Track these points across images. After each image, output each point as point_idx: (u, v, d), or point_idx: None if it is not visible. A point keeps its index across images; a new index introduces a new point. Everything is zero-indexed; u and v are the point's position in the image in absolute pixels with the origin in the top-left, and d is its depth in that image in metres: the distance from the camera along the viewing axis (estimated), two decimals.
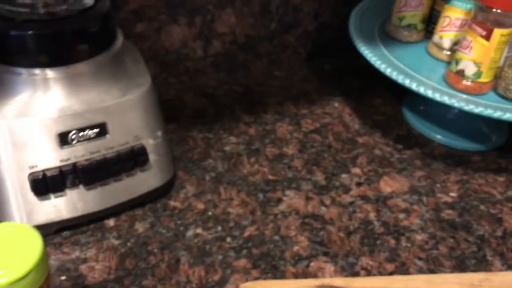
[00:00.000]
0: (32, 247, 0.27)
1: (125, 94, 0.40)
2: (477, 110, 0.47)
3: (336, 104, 0.61)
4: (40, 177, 0.37)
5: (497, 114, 0.46)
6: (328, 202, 0.47)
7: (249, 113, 0.58)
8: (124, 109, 0.40)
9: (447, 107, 0.50)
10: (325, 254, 0.41)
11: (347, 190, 0.48)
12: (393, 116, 0.60)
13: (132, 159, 0.41)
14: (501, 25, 0.46)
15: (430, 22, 0.56)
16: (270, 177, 0.49)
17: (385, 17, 0.60)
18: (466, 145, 0.55)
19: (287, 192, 0.47)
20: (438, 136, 0.56)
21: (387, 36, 0.58)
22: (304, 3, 0.64)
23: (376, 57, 0.52)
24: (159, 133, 0.43)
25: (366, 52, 0.52)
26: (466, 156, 0.54)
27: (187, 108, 0.58)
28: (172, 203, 0.45)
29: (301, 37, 0.67)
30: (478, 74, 0.48)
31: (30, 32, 0.37)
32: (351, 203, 0.47)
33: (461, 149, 0.55)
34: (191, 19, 0.57)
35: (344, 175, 0.50)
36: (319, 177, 0.49)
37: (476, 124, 0.57)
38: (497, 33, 0.46)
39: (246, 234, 0.43)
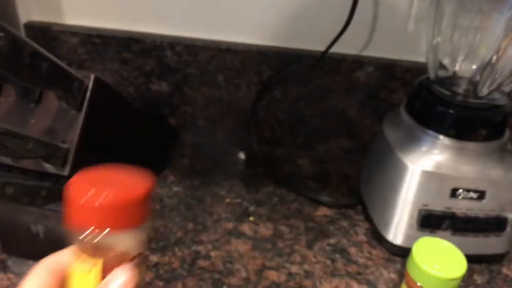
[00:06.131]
0: (458, 263, 0.40)
1: (506, 174, 0.51)
2: None
3: None
4: (427, 214, 0.51)
5: None
6: None
7: None
8: (502, 184, 0.51)
9: None
10: None
11: None
12: None
13: (494, 225, 0.52)
14: None
15: None
16: None
17: None
18: None
19: None
20: None
21: None
22: None
23: None
24: None
25: None
26: None
27: None
28: (505, 270, 0.54)
29: None
30: None
31: (450, 111, 0.52)
32: None
33: None
34: None
35: None
36: None
37: None
38: None
39: None
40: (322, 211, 0.59)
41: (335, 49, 0.62)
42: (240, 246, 0.52)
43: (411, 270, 0.40)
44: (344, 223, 0.57)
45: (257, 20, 0.64)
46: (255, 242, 0.53)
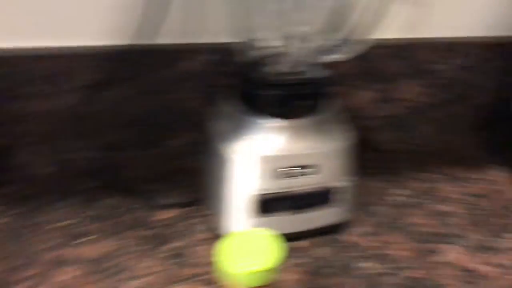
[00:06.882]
0: (274, 250, 0.39)
1: (332, 145, 0.51)
2: None
3: (497, 173, 0.66)
4: (262, 199, 0.50)
5: None
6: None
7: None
8: (328, 157, 0.51)
9: None
10: None
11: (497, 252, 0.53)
12: None
13: (324, 196, 0.52)
14: None
15: None
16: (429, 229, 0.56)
17: None
18: None
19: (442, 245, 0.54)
20: None
21: None
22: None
23: None
24: (349, 179, 0.53)
25: None
26: None
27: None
28: (345, 237, 0.55)
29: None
30: None
31: (266, 92, 0.50)
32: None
33: None
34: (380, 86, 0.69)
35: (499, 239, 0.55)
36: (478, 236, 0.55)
37: None
38: None
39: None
40: (162, 214, 0.56)
41: (160, 40, 0.59)
42: (65, 276, 0.47)
43: (219, 270, 0.38)
44: (184, 224, 0.55)
45: (71, 19, 0.58)
46: (84, 267, 0.49)
